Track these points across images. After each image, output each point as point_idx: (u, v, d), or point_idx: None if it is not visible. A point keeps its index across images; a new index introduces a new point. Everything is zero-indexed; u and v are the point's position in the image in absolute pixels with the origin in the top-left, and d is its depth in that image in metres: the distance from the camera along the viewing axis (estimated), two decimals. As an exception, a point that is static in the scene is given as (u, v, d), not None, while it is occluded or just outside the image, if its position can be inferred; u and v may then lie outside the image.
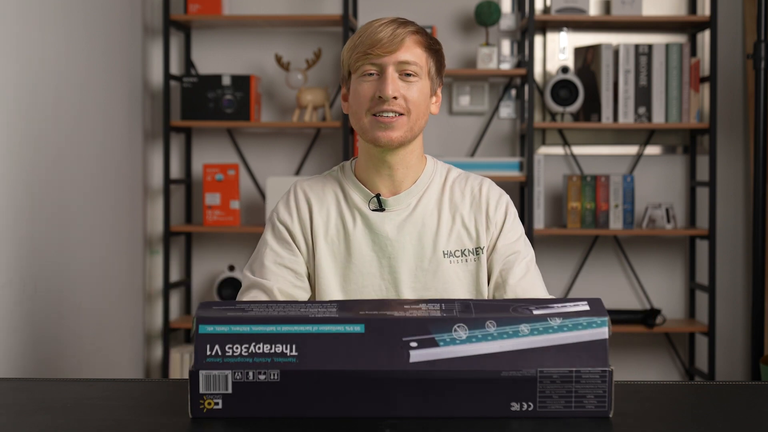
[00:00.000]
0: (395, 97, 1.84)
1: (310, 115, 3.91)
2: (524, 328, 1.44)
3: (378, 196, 1.92)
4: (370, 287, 1.91)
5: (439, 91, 1.95)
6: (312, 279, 1.94)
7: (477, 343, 1.42)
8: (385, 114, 1.85)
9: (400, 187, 1.93)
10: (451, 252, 1.92)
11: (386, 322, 1.45)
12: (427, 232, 1.92)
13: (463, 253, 1.92)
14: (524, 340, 1.43)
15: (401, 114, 1.86)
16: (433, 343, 1.42)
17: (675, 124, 3.86)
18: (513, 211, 1.98)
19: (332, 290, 1.91)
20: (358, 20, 4.05)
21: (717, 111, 3.83)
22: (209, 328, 1.44)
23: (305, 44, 4.08)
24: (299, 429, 1.37)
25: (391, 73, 1.85)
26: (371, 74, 1.86)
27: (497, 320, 1.44)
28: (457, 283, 1.91)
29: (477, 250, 1.93)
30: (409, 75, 1.86)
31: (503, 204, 1.97)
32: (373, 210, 1.92)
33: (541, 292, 1.92)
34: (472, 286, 1.93)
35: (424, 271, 1.91)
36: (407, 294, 1.90)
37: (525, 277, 1.92)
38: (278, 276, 1.91)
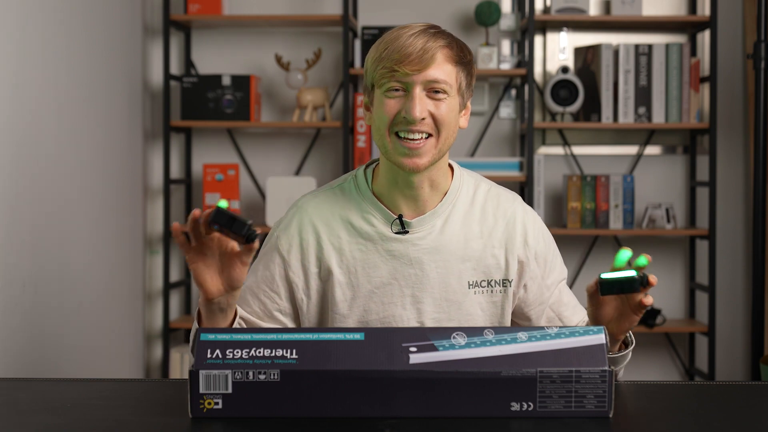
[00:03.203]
0: (423, 118, 1.70)
1: (310, 115, 3.91)
2: (522, 335, 1.44)
3: (401, 217, 1.77)
4: (391, 317, 1.77)
5: (468, 103, 1.79)
6: (308, 312, 1.82)
7: (476, 348, 1.42)
8: (410, 137, 1.70)
9: (425, 207, 1.78)
10: (477, 282, 1.79)
11: (386, 331, 1.46)
12: (452, 261, 1.77)
13: (489, 283, 1.80)
14: (523, 345, 1.43)
15: (429, 135, 1.71)
16: (433, 348, 1.42)
17: (675, 124, 3.86)
18: (550, 237, 1.88)
19: (348, 321, 1.78)
20: (358, 20, 4.05)
21: (717, 111, 3.83)
22: (210, 336, 1.44)
23: (305, 44, 4.08)
24: (299, 429, 1.37)
25: (419, 92, 1.70)
26: (396, 90, 1.71)
27: (495, 329, 1.45)
28: (480, 314, 1.80)
29: (504, 282, 1.80)
30: (437, 92, 1.71)
31: (541, 235, 1.85)
32: (396, 233, 1.77)
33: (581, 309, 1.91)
34: (495, 318, 1.81)
35: (448, 302, 1.78)
36: (429, 325, 1.78)
37: (570, 303, 1.90)
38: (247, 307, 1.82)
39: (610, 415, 1.42)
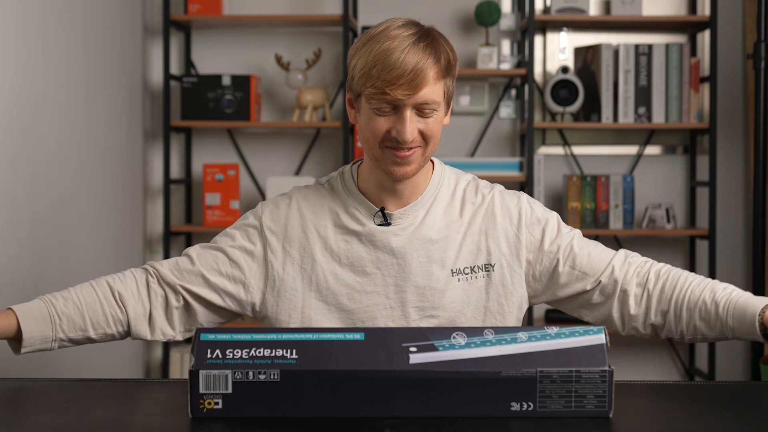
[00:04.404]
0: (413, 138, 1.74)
1: (310, 115, 3.91)
2: (522, 335, 1.44)
3: (383, 209, 1.82)
4: (374, 306, 1.81)
5: (451, 101, 1.81)
6: (282, 295, 1.83)
7: (476, 348, 1.43)
8: (400, 153, 1.74)
9: (408, 201, 1.83)
10: (460, 270, 1.82)
11: (386, 331, 1.47)
12: (435, 249, 1.81)
13: (472, 269, 1.82)
14: (522, 345, 1.43)
15: (418, 146, 1.75)
16: (433, 348, 1.42)
17: (675, 124, 3.86)
18: (539, 208, 1.87)
19: (332, 309, 1.82)
20: (358, 20, 4.05)
21: (717, 111, 3.83)
22: (210, 336, 1.44)
23: (305, 44, 4.08)
24: (299, 429, 1.37)
25: (409, 114, 1.72)
26: (386, 109, 1.72)
27: (495, 329, 1.45)
28: (465, 301, 1.82)
29: (486, 267, 1.83)
30: (426, 110, 1.73)
31: (527, 206, 1.85)
32: (379, 225, 1.81)
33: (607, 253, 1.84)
34: (480, 303, 1.83)
35: (432, 290, 1.80)
36: (413, 313, 1.81)
37: (594, 252, 1.84)
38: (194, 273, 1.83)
39: (610, 415, 1.42)
